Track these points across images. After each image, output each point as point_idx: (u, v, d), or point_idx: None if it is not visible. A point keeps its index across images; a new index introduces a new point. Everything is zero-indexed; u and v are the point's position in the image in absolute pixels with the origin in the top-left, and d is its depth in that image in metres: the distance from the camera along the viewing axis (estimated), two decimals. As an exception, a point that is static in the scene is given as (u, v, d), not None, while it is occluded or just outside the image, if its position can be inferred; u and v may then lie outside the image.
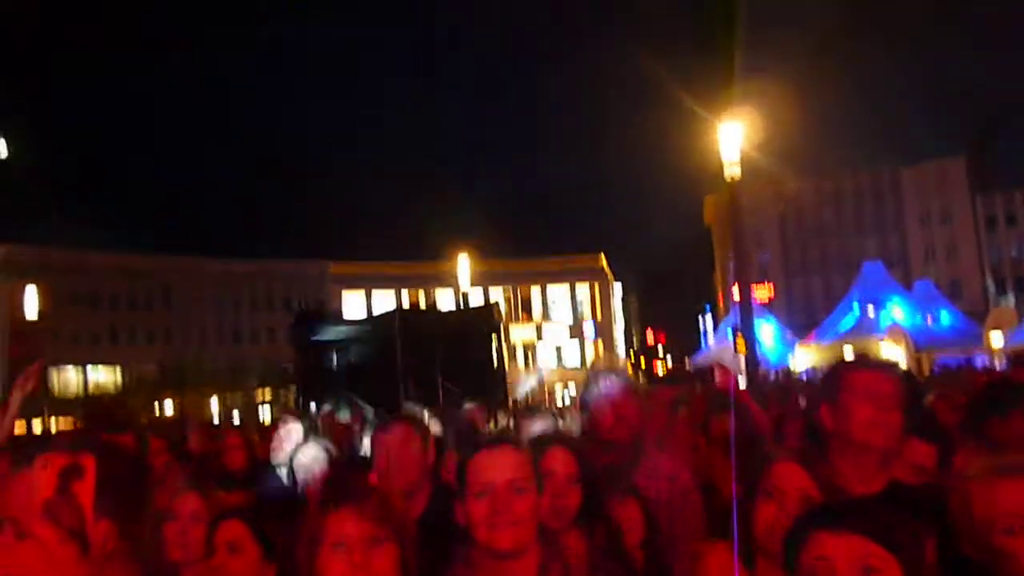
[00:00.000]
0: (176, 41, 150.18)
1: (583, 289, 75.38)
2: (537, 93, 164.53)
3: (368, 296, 65.52)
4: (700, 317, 74.06)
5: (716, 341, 38.86)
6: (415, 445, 3.28)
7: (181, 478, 3.22)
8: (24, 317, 46.19)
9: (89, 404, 38.02)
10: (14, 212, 59.66)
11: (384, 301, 57.23)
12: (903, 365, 18.60)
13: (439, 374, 15.79)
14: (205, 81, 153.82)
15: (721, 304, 61.37)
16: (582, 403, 3.51)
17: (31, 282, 47.34)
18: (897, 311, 36.89)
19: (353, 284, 67.67)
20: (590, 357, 55.08)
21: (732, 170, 18.04)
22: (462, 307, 30.24)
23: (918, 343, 33.19)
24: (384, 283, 66.74)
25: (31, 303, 45.72)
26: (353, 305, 62.29)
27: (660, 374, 59.89)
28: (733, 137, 18.17)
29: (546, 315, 74.87)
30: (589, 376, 3.67)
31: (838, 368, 2.67)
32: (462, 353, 16.05)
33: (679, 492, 3.27)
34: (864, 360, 2.74)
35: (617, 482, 2.84)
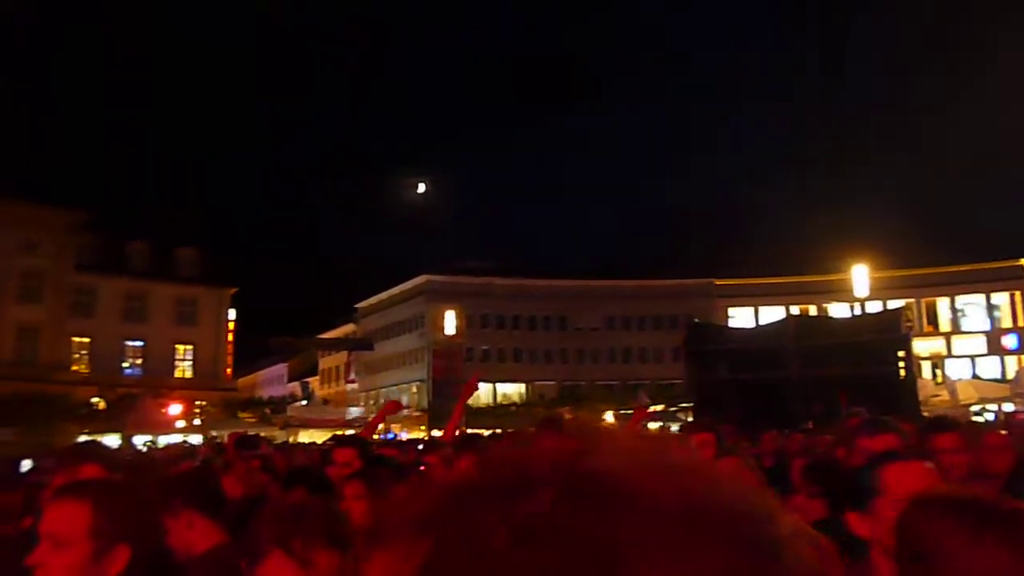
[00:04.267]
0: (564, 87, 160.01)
1: (1001, 297, 67.16)
2: (936, 85, 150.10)
3: (755, 311, 64.25)
4: None
5: None
6: None
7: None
8: (445, 337, 52.35)
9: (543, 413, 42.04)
10: (433, 245, 67.61)
11: (772, 316, 55.74)
12: None
13: (839, 387, 15.04)
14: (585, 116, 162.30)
15: None
16: None
17: (449, 307, 53.59)
18: None
19: (739, 299, 66.81)
20: (1012, 371, 48.70)
21: None
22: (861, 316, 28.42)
23: None
24: (771, 297, 65.00)
25: (450, 325, 51.59)
26: (740, 321, 61.45)
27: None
28: None
29: (956, 326, 67.84)
30: None
31: None
32: (865, 365, 15.15)
33: None
34: None
35: None
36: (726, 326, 42.76)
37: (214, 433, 28.65)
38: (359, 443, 5.01)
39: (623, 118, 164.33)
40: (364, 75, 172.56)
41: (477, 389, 6.27)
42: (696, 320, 29.59)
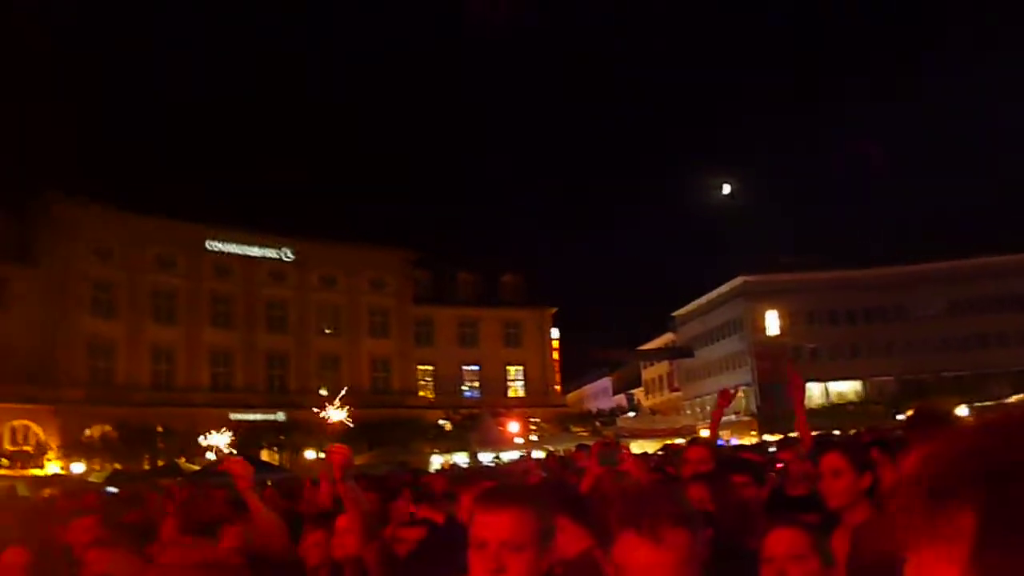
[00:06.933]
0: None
1: None
2: None
3: None
4: None
5: None
6: None
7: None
8: (766, 337, 50.66)
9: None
10: (746, 246, 65.66)
11: None
12: None
13: None
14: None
15: None
16: None
17: (769, 307, 51.85)
18: None
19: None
20: None
21: None
22: None
23: None
24: None
25: (772, 324, 49.83)
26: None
27: None
28: None
29: None
30: None
31: None
32: None
33: None
34: None
35: None
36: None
37: (550, 448, 29.77)
38: (710, 444, 4.88)
39: (944, 82, 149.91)
40: (662, 79, 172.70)
41: (801, 385, 5.86)
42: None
